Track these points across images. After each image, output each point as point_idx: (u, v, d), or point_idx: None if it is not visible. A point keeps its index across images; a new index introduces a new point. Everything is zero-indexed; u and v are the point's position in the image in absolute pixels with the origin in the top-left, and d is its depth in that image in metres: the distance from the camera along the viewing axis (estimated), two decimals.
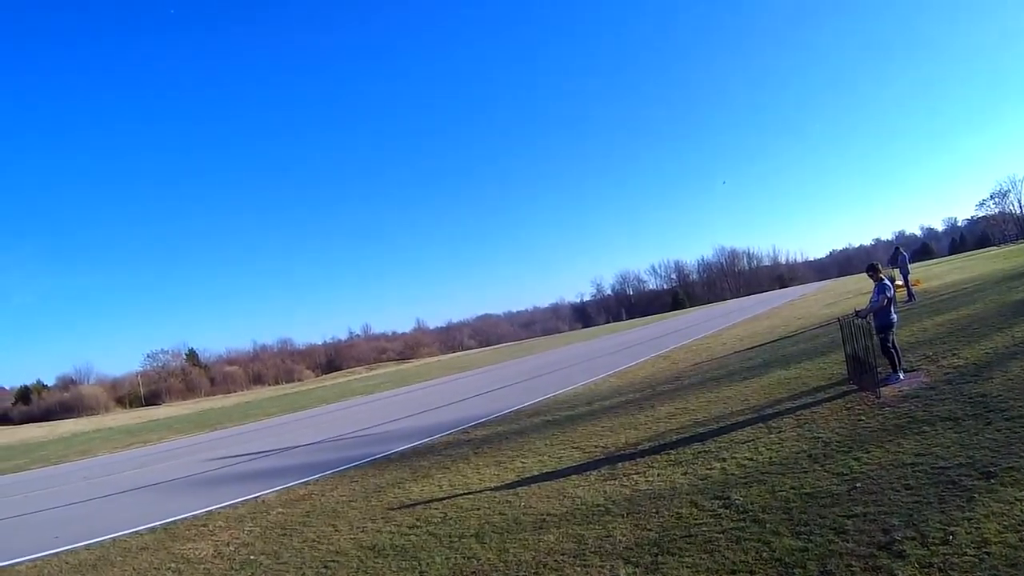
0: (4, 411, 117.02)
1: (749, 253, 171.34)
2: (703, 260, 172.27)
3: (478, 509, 9.16)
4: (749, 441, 9.89)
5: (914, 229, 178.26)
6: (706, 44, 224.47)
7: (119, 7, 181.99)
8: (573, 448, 12.10)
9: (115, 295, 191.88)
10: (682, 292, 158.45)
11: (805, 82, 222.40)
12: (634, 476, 9.21)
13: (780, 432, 10.05)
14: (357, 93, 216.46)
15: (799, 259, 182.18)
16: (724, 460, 9.10)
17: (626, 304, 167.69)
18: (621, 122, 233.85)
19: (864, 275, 13.75)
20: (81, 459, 33.45)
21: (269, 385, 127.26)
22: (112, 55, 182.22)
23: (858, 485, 6.92)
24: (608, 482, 9.18)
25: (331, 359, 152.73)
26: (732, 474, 8.36)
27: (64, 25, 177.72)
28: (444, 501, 10.03)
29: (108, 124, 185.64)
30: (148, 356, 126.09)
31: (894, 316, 12.16)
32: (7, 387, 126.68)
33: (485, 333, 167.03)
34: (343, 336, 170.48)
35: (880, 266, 12.99)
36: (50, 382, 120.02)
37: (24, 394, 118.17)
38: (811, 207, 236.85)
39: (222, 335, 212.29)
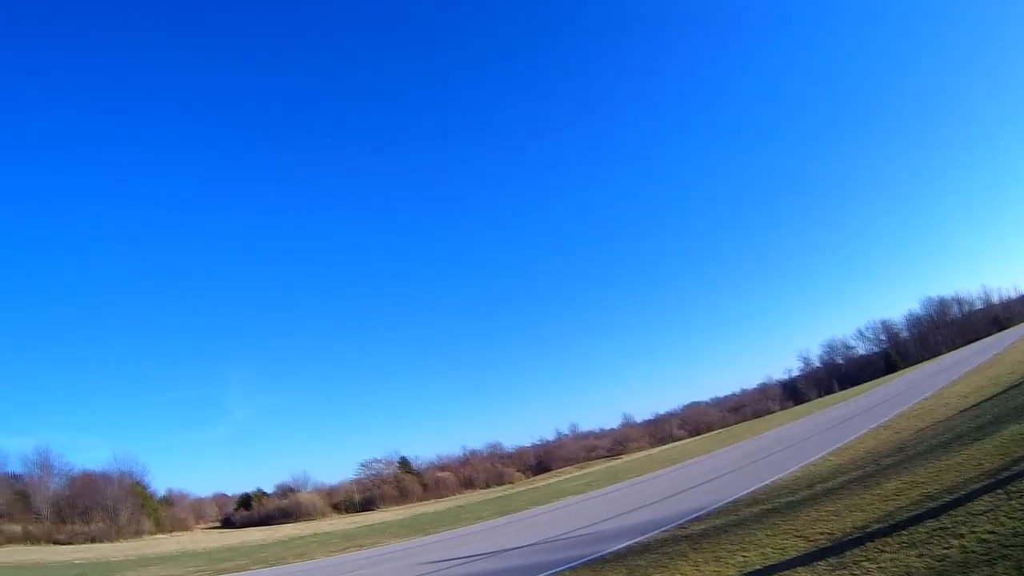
0: (227, 516, 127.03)
1: (959, 299, 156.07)
2: (911, 315, 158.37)
3: None
4: (988, 511, 9.20)
5: None
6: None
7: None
8: (797, 537, 11.65)
9: (330, 409, 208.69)
10: (894, 353, 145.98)
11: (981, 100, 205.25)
12: (864, 563, 8.79)
13: (1021, 496, 9.29)
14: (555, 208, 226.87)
15: (1013, 295, 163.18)
16: (962, 536, 8.52)
17: (836, 374, 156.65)
18: (815, 191, 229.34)
19: None
20: (298, 561, 34.90)
21: (480, 489, 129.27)
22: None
23: None
24: (837, 572, 8.81)
25: (540, 460, 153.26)
26: (972, 552, 7.83)
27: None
28: None
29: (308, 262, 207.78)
30: (362, 465, 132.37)
31: None
32: (229, 494, 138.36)
33: (694, 421, 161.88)
34: (551, 436, 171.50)
35: None
36: (269, 490, 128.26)
37: (245, 501, 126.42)
38: (1014, 232, 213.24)
39: (433, 442, 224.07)
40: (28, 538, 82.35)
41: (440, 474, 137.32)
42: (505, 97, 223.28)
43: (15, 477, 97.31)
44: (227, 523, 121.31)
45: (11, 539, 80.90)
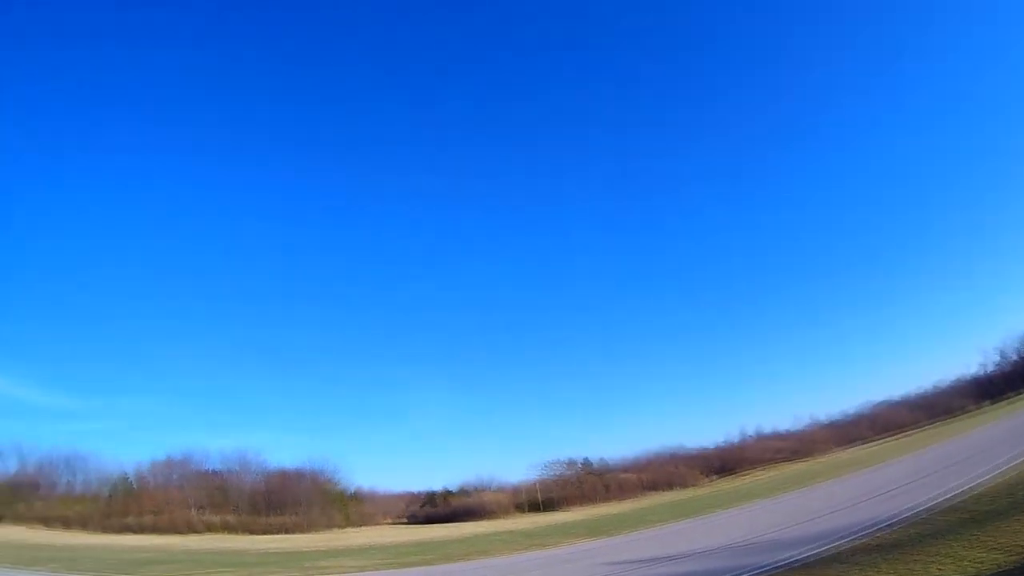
0: (413, 513, 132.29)
1: None
2: None
3: None
4: None
5: None
6: None
7: None
8: (994, 550, 11.26)
9: (516, 410, 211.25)
10: None
11: None
12: None
13: None
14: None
15: None
16: None
17: None
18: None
19: None
20: (481, 558, 35.50)
21: (662, 491, 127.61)
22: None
23: None
24: None
25: (724, 462, 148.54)
26: None
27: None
28: None
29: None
30: (545, 465, 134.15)
31: None
32: (416, 492, 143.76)
33: (883, 422, 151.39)
34: (735, 438, 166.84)
35: None
36: (455, 489, 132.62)
37: (431, 498, 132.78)
38: None
39: (616, 443, 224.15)
40: (227, 528, 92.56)
41: (622, 475, 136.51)
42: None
43: (215, 474, 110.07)
44: (413, 520, 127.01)
45: (211, 528, 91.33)
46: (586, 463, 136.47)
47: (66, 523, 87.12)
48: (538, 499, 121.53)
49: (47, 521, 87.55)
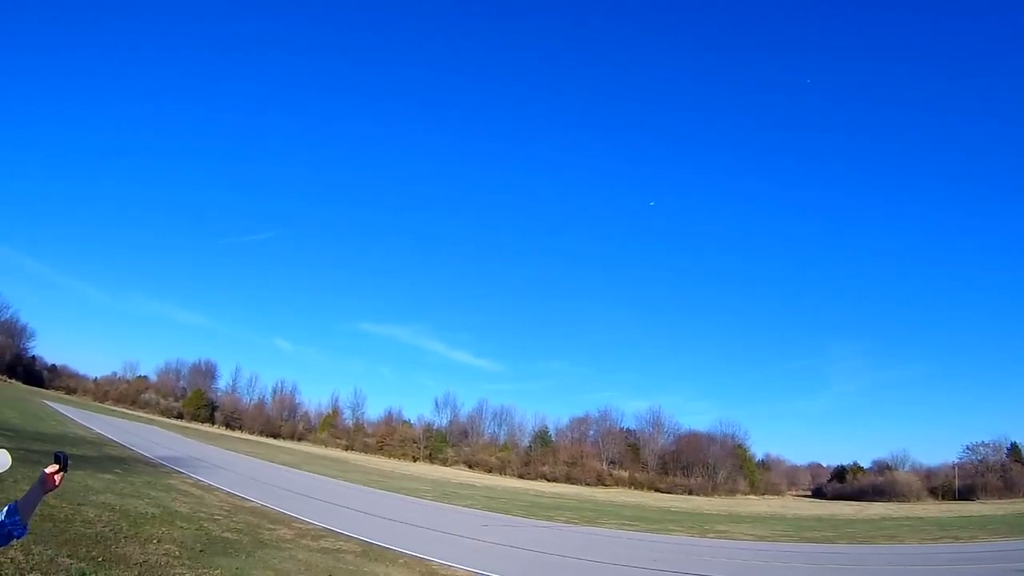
0: (819, 486, 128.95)
1: None
2: None
3: None
4: None
5: None
6: None
7: None
8: None
9: (934, 385, 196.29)
10: None
11: None
12: None
13: None
14: None
15: None
16: None
17: None
18: None
19: None
20: (888, 543, 32.87)
21: None
22: None
23: None
24: None
25: None
26: None
27: None
28: None
29: None
30: (967, 448, 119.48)
31: None
32: (824, 465, 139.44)
33: None
34: None
35: None
36: (866, 465, 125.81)
37: (840, 473, 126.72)
38: None
39: None
40: (633, 484, 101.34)
41: None
42: None
43: (630, 432, 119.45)
44: (818, 493, 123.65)
45: (619, 482, 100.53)
46: (1013, 449, 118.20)
47: (488, 467, 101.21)
48: (954, 485, 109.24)
49: (472, 464, 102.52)
